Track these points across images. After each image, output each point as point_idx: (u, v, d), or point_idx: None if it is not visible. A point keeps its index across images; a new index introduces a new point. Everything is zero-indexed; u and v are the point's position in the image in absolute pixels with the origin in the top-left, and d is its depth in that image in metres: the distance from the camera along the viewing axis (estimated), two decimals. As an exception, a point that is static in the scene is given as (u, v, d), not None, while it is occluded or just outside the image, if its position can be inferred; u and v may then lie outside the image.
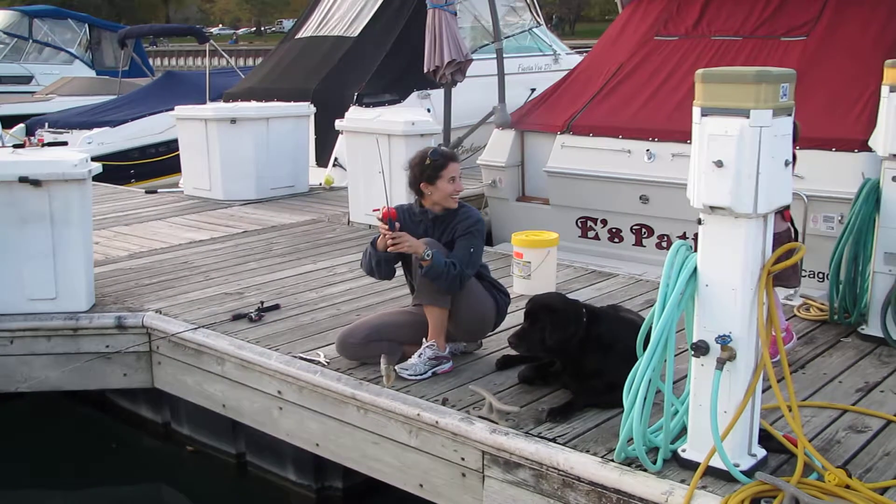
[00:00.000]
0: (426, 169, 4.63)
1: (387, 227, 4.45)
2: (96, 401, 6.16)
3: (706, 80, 3.33)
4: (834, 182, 6.42)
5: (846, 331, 5.15)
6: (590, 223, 8.15)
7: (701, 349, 3.41)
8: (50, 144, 8.02)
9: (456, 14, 8.20)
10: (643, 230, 7.86)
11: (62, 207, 5.55)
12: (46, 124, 13.01)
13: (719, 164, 3.26)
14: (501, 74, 8.71)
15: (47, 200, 5.52)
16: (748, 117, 3.21)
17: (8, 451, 5.78)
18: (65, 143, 9.32)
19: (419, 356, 4.52)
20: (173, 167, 12.90)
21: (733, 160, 3.23)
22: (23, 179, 5.45)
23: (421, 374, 4.49)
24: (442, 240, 4.61)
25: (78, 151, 6.21)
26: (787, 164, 3.34)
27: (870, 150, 6.34)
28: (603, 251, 7.98)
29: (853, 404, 4.16)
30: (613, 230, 8.02)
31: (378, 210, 4.55)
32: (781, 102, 3.28)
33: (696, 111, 3.37)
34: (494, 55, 9.49)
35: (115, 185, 10.81)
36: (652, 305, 5.56)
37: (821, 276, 6.56)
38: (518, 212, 8.59)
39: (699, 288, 3.43)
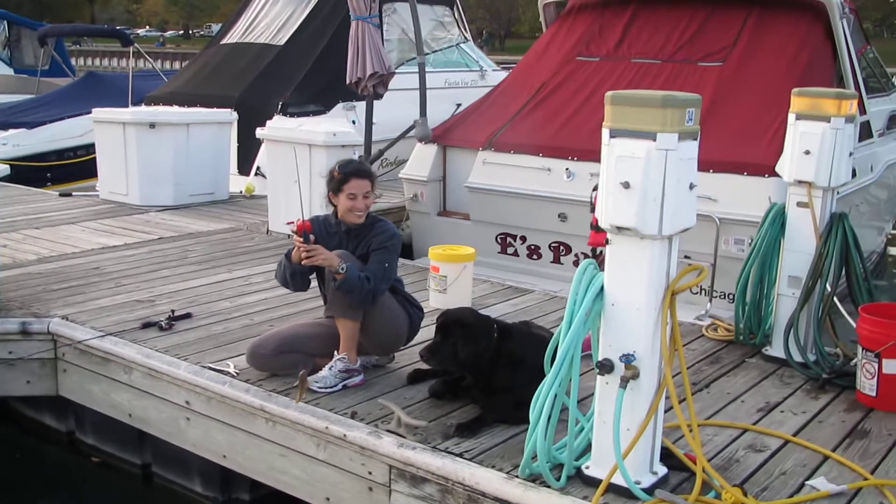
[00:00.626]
0: (332, 180, 4.66)
1: (301, 239, 4.43)
2: (-1, 409, 5.99)
3: (615, 102, 3.39)
4: (745, 206, 6.58)
5: (751, 351, 5.28)
6: (509, 239, 8.21)
7: (606, 367, 3.46)
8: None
9: (380, 27, 8.21)
10: (561, 248, 7.94)
11: (-33, 209, 5.41)
12: None
13: (626, 185, 3.32)
14: (423, 88, 8.73)
15: (-49, 201, 5.37)
16: (655, 140, 3.28)
17: None
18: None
19: (330, 368, 4.50)
20: (92, 171, 12.63)
21: (640, 182, 3.29)
22: (-76, 179, 5.29)
23: (331, 387, 4.47)
24: (356, 252, 4.60)
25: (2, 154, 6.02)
26: (691, 187, 3.41)
27: (780, 175, 6.53)
28: (521, 267, 8.04)
29: (754, 423, 4.27)
30: (532, 247, 8.09)
31: (293, 222, 4.52)
32: (687, 126, 3.36)
33: (605, 132, 3.42)
34: (427, 68, 9.51)
35: (31, 187, 10.53)
36: (564, 322, 5.70)
37: (731, 297, 6.70)
38: (439, 226, 8.60)
39: (605, 307, 3.48)
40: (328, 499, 4.26)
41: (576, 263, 7.83)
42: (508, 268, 8.01)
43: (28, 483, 5.50)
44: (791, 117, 5.06)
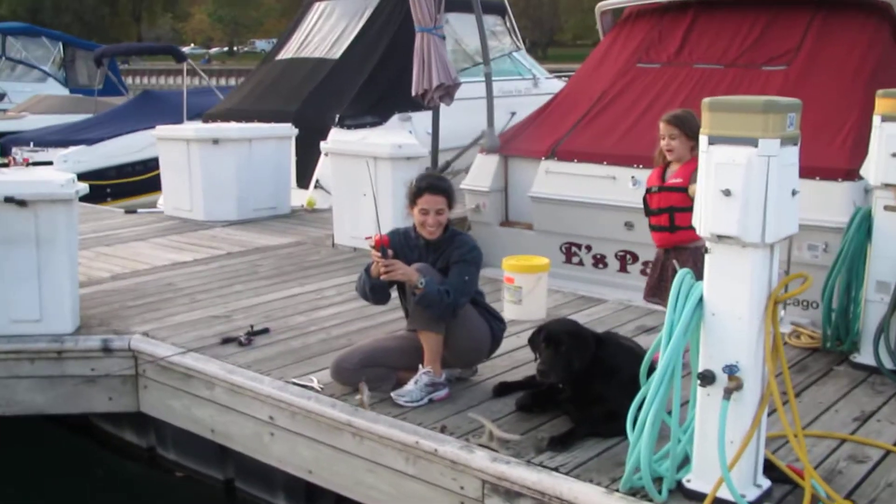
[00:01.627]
0: (408, 192, 4.65)
1: (379, 254, 4.41)
2: (78, 425, 6.03)
3: (713, 108, 3.34)
4: (818, 210, 6.45)
5: (838, 359, 5.17)
6: (574, 249, 8.16)
7: (707, 378, 3.40)
8: (35, 164, 7.91)
9: (444, 38, 8.20)
10: (627, 256, 7.87)
11: (48, 228, 5.46)
12: (31, 143, 12.83)
13: (727, 192, 3.27)
14: (490, 98, 8.71)
15: (33, 221, 5.42)
16: (756, 146, 3.22)
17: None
18: (50, 163, 9.20)
19: (415, 382, 4.48)
20: (150, 186, 12.84)
21: (741, 189, 3.24)
22: (8, 199, 5.35)
23: (417, 401, 4.45)
24: (436, 265, 4.58)
25: (63, 171, 6.09)
26: (794, 193, 3.35)
27: (853, 178, 6.42)
28: (587, 277, 7.98)
29: (851, 433, 4.17)
30: (598, 256, 8.03)
31: (371, 237, 4.51)
32: (788, 132, 3.30)
33: (702, 139, 3.37)
34: (475, 79, 9.50)
35: (91, 203, 10.67)
36: (643, 332, 5.65)
37: (805, 303, 6.59)
38: (502, 236, 8.57)
39: (705, 317, 3.42)
40: (418, 513, 4.23)
41: (643, 272, 7.77)
42: (574, 277, 7.94)
43: (110, 499, 5.54)
44: (876, 119, 4.95)
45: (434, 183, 4.65)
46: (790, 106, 3.31)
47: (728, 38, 8.39)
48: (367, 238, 4.64)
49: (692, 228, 4.96)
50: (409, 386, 4.48)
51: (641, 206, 7.41)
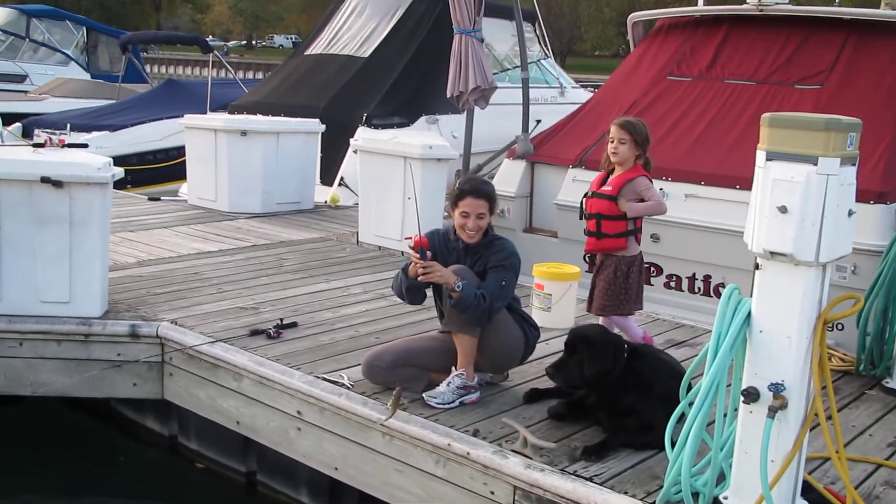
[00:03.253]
0: (450, 194, 4.65)
1: (418, 255, 4.39)
2: (99, 409, 6.02)
3: (774, 124, 3.31)
4: (849, 232, 6.42)
5: (870, 383, 5.14)
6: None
7: (752, 396, 3.37)
8: (70, 146, 7.90)
9: (482, 41, 8.18)
10: (652, 269, 7.83)
11: (82, 210, 5.45)
12: (68, 125, 12.84)
13: (783, 209, 3.24)
14: (526, 103, 8.69)
15: (68, 202, 5.42)
16: (816, 164, 3.20)
17: (7, 455, 5.63)
18: (85, 146, 9.19)
19: (448, 384, 4.46)
20: (171, 175, 12.85)
21: (798, 207, 3.21)
22: (45, 180, 5.35)
23: (449, 403, 4.43)
24: (474, 269, 4.56)
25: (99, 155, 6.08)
26: (850, 213, 3.33)
27: (885, 201, 6.38)
28: (611, 288, 7.94)
29: (887, 458, 4.14)
30: (622, 267, 7.98)
31: (410, 238, 4.50)
32: (848, 151, 3.28)
33: (760, 155, 3.34)
34: (504, 84, 9.45)
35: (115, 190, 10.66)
36: (672, 345, 5.62)
37: (831, 325, 6.56)
38: (525, 243, 8.52)
39: (752, 334, 3.39)
40: (445, 516, 4.21)
41: (666, 285, 7.74)
42: (598, 288, 7.91)
43: (130, 486, 5.53)
44: (919, 143, 4.91)
45: (477, 186, 4.63)
46: (851, 126, 3.28)
47: (761, 55, 8.35)
48: (406, 238, 4.62)
49: (619, 237, 5.06)
50: (442, 388, 4.46)
51: (668, 219, 7.48)
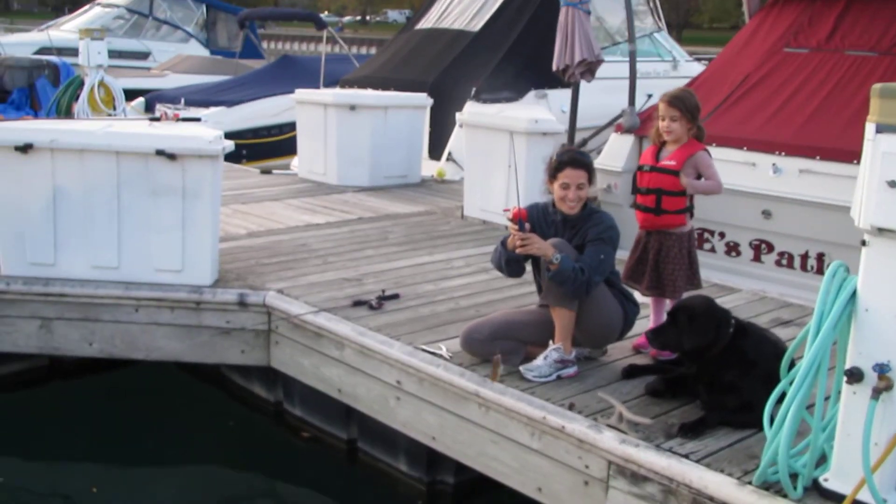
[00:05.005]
0: (549, 166, 4.61)
1: (517, 227, 4.39)
2: (210, 374, 6.24)
3: (885, 95, 3.19)
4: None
5: None
6: (706, 235, 7.96)
7: (855, 376, 3.27)
8: (185, 120, 8.17)
9: (589, 13, 8.07)
10: (763, 246, 7.64)
11: (194, 182, 5.63)
12: (182, 100, 13.26)
13: (893, 184, 3.12)
14: (633, 77, 8.54)
15: (181, 174, 5.60)
16: (928, 137, 3.07)
17: (122, 416, 5.90)
18: (198, 120, 9.49)
19: (545, 358, 4.46)
20: (284, 149, 13.13)
21: (909, 181, 3.09)
22: (159, 153, 5.54)
23: (545, 377, 4.43)
24: (573, 242, 4.54)
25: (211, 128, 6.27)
26: (965, 189, 3.18)
27: None
28: (718, 264, 7.76)
29: None
30: (731, 244, 7.82)
31: (509, 210, 4.50)
32: (964, 124, 3.13)
33: (869, 127, 3.23)
34: (615, 58, 9.31)
35: (228, 163, 10.96)
36: (778, 324, 5.48)
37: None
38: (632, 218, 8.36)
39: (858, 312, 3.29)
40: (540, 489, 4.22)
41: (777, 263, 7.54)
42: (704, 264, 7.64)
43: (237, 452, 5.73)
44: None
45: (576, 157, 4.60)
46: (967, 96, 3.13)
47: (884, 25, 8.01)
48: (505, 210, 4.62)
49: (679, 213, 4.85)
50: (539, 361, 4.46)
51: (781, 195, 7.27)
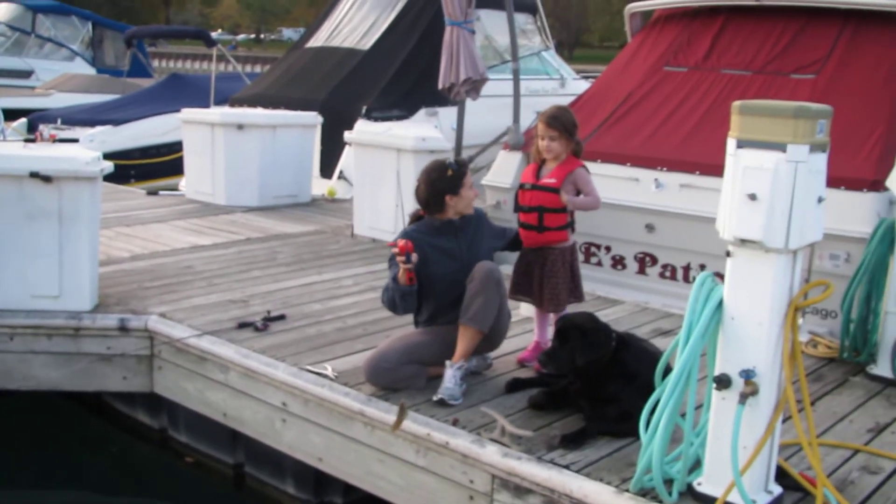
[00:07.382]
0: (449, 180, 4.61)
1: (404, 260, 4.37)
2: (91, 402, 6.07)
3: (744, 112, 3.32)
4: (842, 220, 6.39)
5: (854, 370, 5.14)
6: (593, 249, 8.12)
7: (723, 382, 3.39)
8: (62, 141, 7.94)
9: (474, 33, 8.17)
10: (647, 259, 7.83)
11: (71, 205, 5.48)
12: (59, 120, 12.90)
13: (753, 197, 3.25)
14: (517, 95, 8.66)
15: (57, 197, 5.45)
16: (785, 151, 3.20)
17: (1, 446, 5.69)
18: (76, 141, 9.24)
19: (453, 381, 4.41)
20: (173, 169, 12.87)
21: (767, 194, 3.22)
22: (34, 175, 5.38)
23: (462, 397, 4.43)
24: (468, 239, 4.67)
25: (88, 149, 6.12)
26: (819, 200, 3.33)
27: (878, 189, 6.36)
28: (605, 278, 7.93)
29: (865, 444, 4.14)
30: (617, 257, 7.99)
31: (394, 244, 4.43)
32: (818, 139, 3.28)
33: (730, 143, 3.35)
34: (503, 76, 9.43)
35: (115, 184, 10.71)
36: (659, 334, 5.62)
37: (824, 313, 6.55)
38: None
39: (724, 321, 3.40)
40: (426, 505, 4.23)
41: (661, 275, 7.73)
42: (591, 278, 7.87)
43: (121, 480, 5.57)
44: (903, 132, 4.90)
45: (465, 160, 4.93)
46: (821, 112, 3.29)
47: (757, 45, 8.32)
48: (389, 245, 4.52)
49: (561, 229, 4.97)
50: (450, 385, 4.40)
51: (663, 209, 7.47)
